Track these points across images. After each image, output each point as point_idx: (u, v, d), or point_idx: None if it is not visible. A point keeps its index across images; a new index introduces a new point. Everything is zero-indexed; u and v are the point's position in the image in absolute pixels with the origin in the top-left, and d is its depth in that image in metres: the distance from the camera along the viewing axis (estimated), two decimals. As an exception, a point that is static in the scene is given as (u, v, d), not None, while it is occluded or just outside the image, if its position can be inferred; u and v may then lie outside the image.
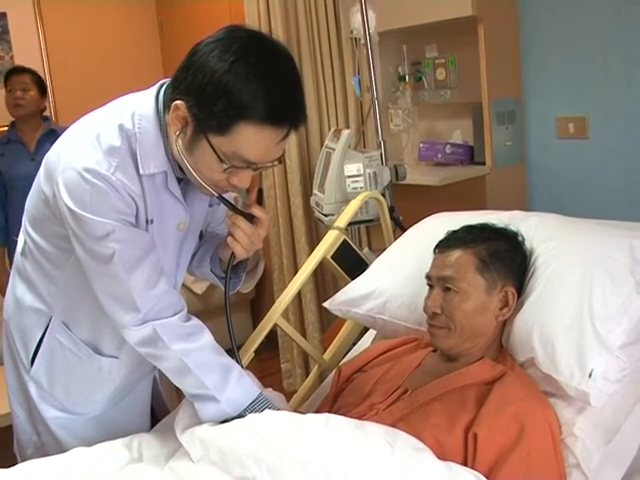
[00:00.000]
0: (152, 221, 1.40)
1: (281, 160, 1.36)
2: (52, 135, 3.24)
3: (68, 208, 1.32)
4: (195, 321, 1.45)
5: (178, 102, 1.28)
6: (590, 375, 1.33)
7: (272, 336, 3.04)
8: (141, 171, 1.34)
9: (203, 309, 3.84)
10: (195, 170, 1.33)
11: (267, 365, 3.60)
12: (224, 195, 1.42)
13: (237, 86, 1.21)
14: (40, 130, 3.39)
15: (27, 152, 3.36)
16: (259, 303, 4.15)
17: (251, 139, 1.25)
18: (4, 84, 3.50)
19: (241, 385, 1.42)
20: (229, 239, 1.44)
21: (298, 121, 1.30)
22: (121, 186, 1.32)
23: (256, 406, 1.42)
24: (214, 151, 1.28)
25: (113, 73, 4.16)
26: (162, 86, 1.39)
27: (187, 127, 1.29)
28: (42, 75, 4.21)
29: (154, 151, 1.36)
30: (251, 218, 1.42)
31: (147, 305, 1.37)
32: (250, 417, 1.38)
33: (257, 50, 1.25)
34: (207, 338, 1.43)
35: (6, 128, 3.50)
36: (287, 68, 1.29)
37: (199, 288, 3.88)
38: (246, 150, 1.27)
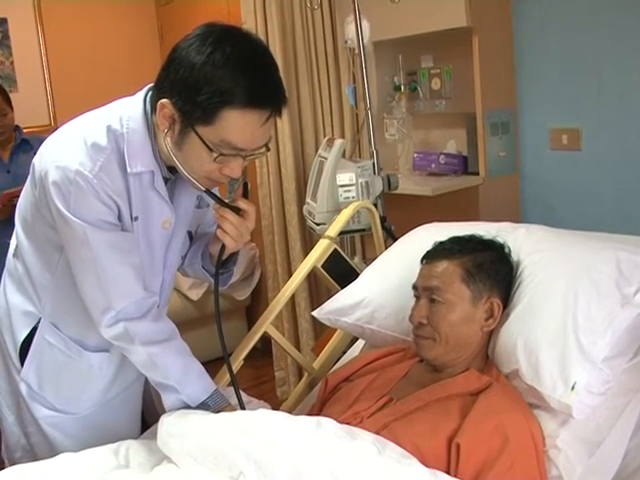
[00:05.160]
0: (137, 218, 1.45)
1: (269, 147, 1.41)
2: (25, 145, 3.12)
3: (56, 206, 1.38)
4: (166, 323, 1.52)
5: (164, 100, 1.32)
6: (573, 388, 1.34)
7: (267, 343, 3.07)
8: (128, 169, 1.39)
9: (198, 316, 3.85)
10: (185, 165, 1.38)
11: (261, 372, 3.60)
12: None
13: (217, 74, 1.27)
14: (12, 142, 3.17)
15: (2, 164, 3.12)
16: (255, 310, 4.15)
17: (236, 124, 1.30)
18: None
19: (200, 382, 1.51)
20: (218, 231, 1.49)
21: (279, 102, 1.34)
22: (102, 187, 1.36)
23: (212, 400, 1.51)
24: (203, 142, 1.32)
25: (113, 78, 4.14)
26: (150, 90, 1.43)
27: (175, 124, 1.34)
28: (43, 80, 4.25)
29: (142, 150, 1.41)
30: (237, 211, 1.47)
31: (121, 305, 1.44)
32: (243, 414, 1.42)
33: (232, 39, 1.30)
34: (176, 341, 1.51)
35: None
36: (262, 53, 1.34)
37: (195, 295, 3.88)
38: (233, 136, 1.31)
